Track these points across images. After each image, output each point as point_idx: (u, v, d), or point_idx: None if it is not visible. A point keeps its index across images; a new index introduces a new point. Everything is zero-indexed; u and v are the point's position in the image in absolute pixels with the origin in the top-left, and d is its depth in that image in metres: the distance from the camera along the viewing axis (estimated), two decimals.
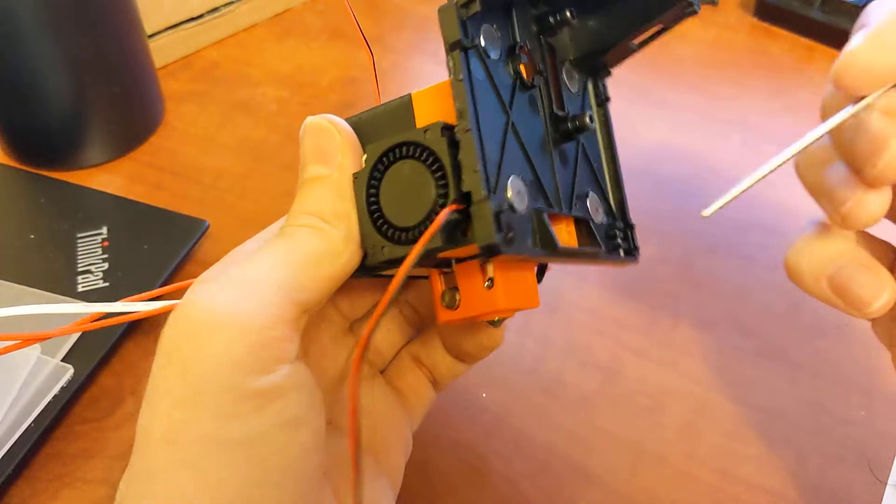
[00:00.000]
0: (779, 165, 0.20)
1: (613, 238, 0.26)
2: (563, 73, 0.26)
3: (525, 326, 0.36)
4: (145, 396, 0.19)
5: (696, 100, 0.50)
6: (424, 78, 0.53)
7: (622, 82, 0.51)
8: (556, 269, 0.39)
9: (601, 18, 0.26)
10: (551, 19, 0.25)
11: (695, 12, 0.24)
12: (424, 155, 0.22)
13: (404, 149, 0.22)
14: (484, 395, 0.34)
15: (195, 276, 0.22)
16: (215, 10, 0.54)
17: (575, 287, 0.38)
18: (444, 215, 0.20)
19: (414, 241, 0.21)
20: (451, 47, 0.21)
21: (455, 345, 0.28)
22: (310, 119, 0.23)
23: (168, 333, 0.19)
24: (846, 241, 0.22)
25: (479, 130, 0.21)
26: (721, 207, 0.21)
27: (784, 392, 0.34)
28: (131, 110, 0.46)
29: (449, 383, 0.29)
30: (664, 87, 0.50)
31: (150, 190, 0.44)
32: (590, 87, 0.28)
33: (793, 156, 0.20)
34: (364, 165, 0.23)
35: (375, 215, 0.23)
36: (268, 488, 0.19)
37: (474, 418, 0.33)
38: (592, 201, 0.26)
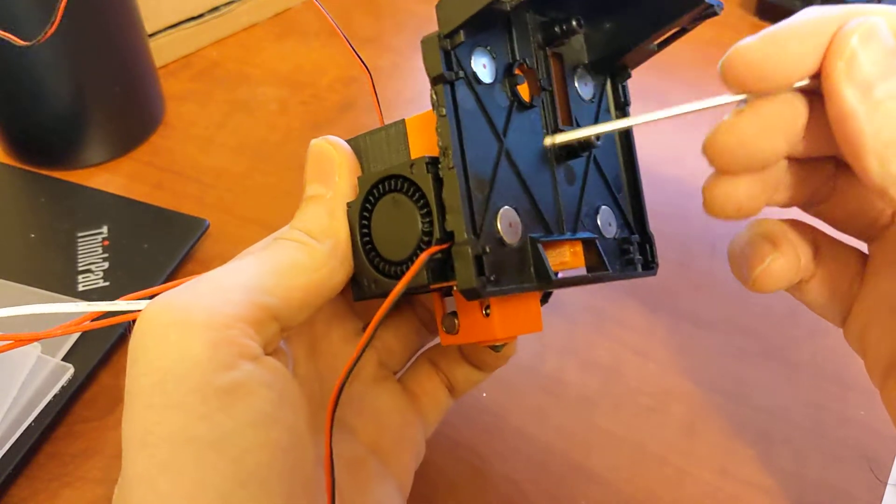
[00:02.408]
0: (633, 124, 0.21)
1: (627, 252, 0.25)
2: (576, 78, 0.25)
3: None
4: (124, 400, 0.19)
5: (695, 99, 0.50)
6: (423, 78, 0.52)
7: None
8: None
9: (616, 21, 0.25)
10: (557, 29, 0.23)
11: (715, 13, 0.23)
12: (411, 190, 0.21)
13: (392, 182, 0.22)
14: (484, 394, 0.34)
15: (196, 276, 0.22)
16: (215, 9, 0.54)
17: (575, 287, 0.38)
18: (422, 259, 0.20)
19: (401, 276, 0.21)
20: (433, 81, 0.20)
21: (471, 353, 0.27)
22: (313, 141, 0.24)
23: (134, 335, 0.20)
24: (767, 222, 0.23)
25: (464, 166, 0.20)
26: (567, 141, 0.22)
27: (784, 392, 0.34)
28: (131, 110, 0.46)
29: (467, 390, 0.29)
30: (664, 86, 0.50)
31: (151, 189, 0.44)
32: (608, 90, 0.26)
33: (654, 119, 0.21)
34: (357, 195, 0.23)
35: (368, 247, 0.23)
36: (252, 488, 0.19)
37: (475, 418, 0.33)
38: (604, 216, 0.25)
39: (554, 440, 0.32)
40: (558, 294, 0.38)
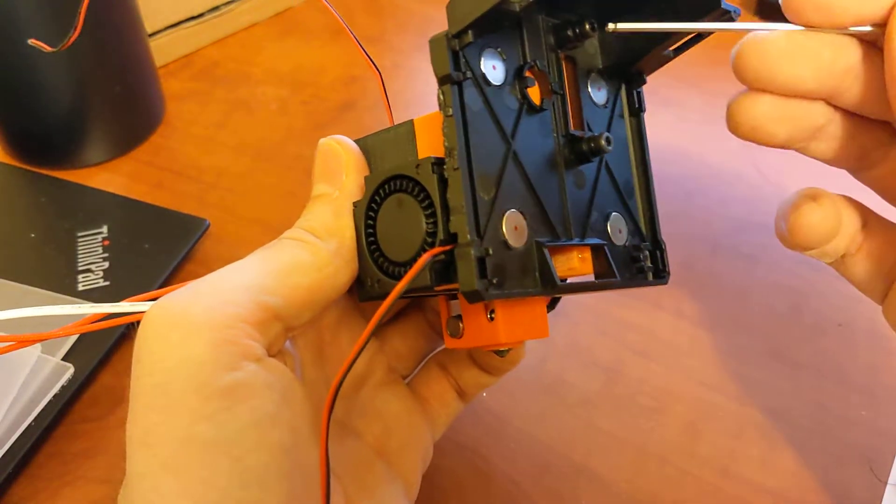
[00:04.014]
0: (682, 28, 0.21)
1: (638, 260, 0.25)
2: (589, 83, 0.25)
3: None
4: (129, 401, 0.20)
5: (697, 99, 0.50)
6: (425, 78, 0.53)
7: None
8: None
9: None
10: (570, 32, 0.23)
11: (732, 18, 0.22)
12: (416, 190, 0.21)
13: (398, 182, 0.22)
14: (485, 395, 0.34)
15: (196, 275, 0.22)
16: (216, 8, 0.54)
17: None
18: (425, 259, 0.20)
19: (403, 277, 0.20)
20: (440, 81, 0.20)
21: (479, 356, 0.27)
22: (322, 140, 0.24)
23: (138, 337, 0.20)
24: (813, 188, 0.22)
25: (470, 167, 0.20)
26: (630, 30, 0.21)
27: (786, 392, 0.34)
28: (132, 109, 0.46)
29: (477, 394, 0.29)
30: (666, 86, 0.50)
31: (151, 189, 0.44)
32: (622, 96, 0.26)
33: (699, 29, 0.21)
34: (363, 195, 0.23)
35: (372, 247, 0.22)
36: (254, 488, 0.19)
37: (477, 419, 0.33)
38: (614, 222, 0.24)
39: (556, 441, 0.32)
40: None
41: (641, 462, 0.31)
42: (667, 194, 0.45)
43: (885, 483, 0.30)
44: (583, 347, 0.36)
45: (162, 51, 0.52)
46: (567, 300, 0.38)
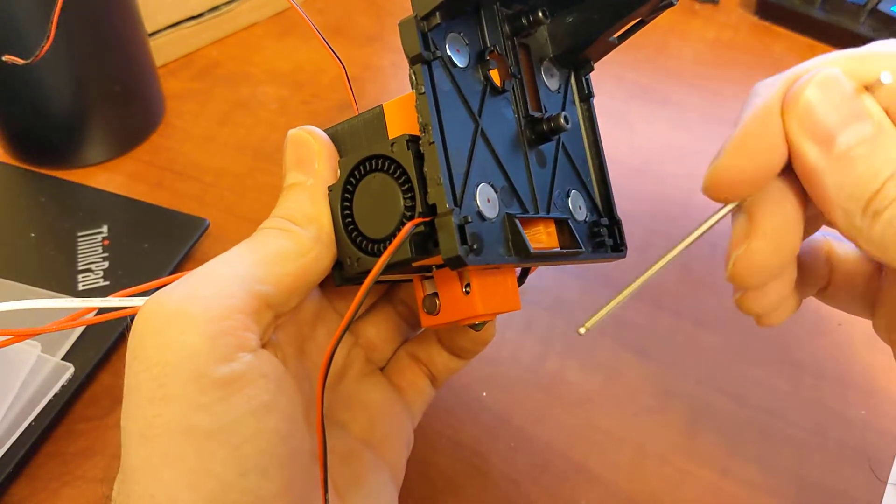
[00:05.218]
0: (649, 276, 0.21)
1: (598, 235, 0.26)
2: (542, 71, 0.26)
3: (526, 326, 0.36)
4: (123, 396, 0.20)
5: (697, 99, 0.50)
6: None
7: (623, 81, 0.51)
8: (555, 269, 0.39)
9: (578, 15, 0.25)
10: (524, 20, 0.24)
11: (671, 4, 0.24)
12: (392, 168, 0.22)
13: (374, 162, 0.23)
14: (484, 394, 0.34)
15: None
16: (216, 8, 0.54)
17: (575, 286, 0.38)
18: (407, 229, 0.20)
19: (383, 252, 0.21)
20: (412, 61, 0.21)
21: (449, 340, 0.28)
22: (291, 131, 0.24)
23: (134, 331, 0.20)
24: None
25: (443, 142, 0.21)
26: (596, 322, 0.22)
27: (785, 391, 0.34)
28: (132, 109, 0.46)
29: (447, 379, 0.30)
30: (665, 86, 0.50)
31: (151, 189, 0.44)
32: (572, 82, 0.27)
33: (661, 266, 0.21)
34: (338, 178, 0.24)
35: (350, 227, 0.23)
36: (253, 476, 0.19)
37: (475, 418, 0.33)
38: (574, 199, 0.26)
39: (554, 440, 0.32)
40: (558, 293, 0.38)
41: (640, 461, 0.31)
42: (666, 193, 0.45)
43: (885, 483, 0.30)
44: (581, 346, 0.36)
45: (162, 51, 0.52)
46: (565, 300, 0.38)
